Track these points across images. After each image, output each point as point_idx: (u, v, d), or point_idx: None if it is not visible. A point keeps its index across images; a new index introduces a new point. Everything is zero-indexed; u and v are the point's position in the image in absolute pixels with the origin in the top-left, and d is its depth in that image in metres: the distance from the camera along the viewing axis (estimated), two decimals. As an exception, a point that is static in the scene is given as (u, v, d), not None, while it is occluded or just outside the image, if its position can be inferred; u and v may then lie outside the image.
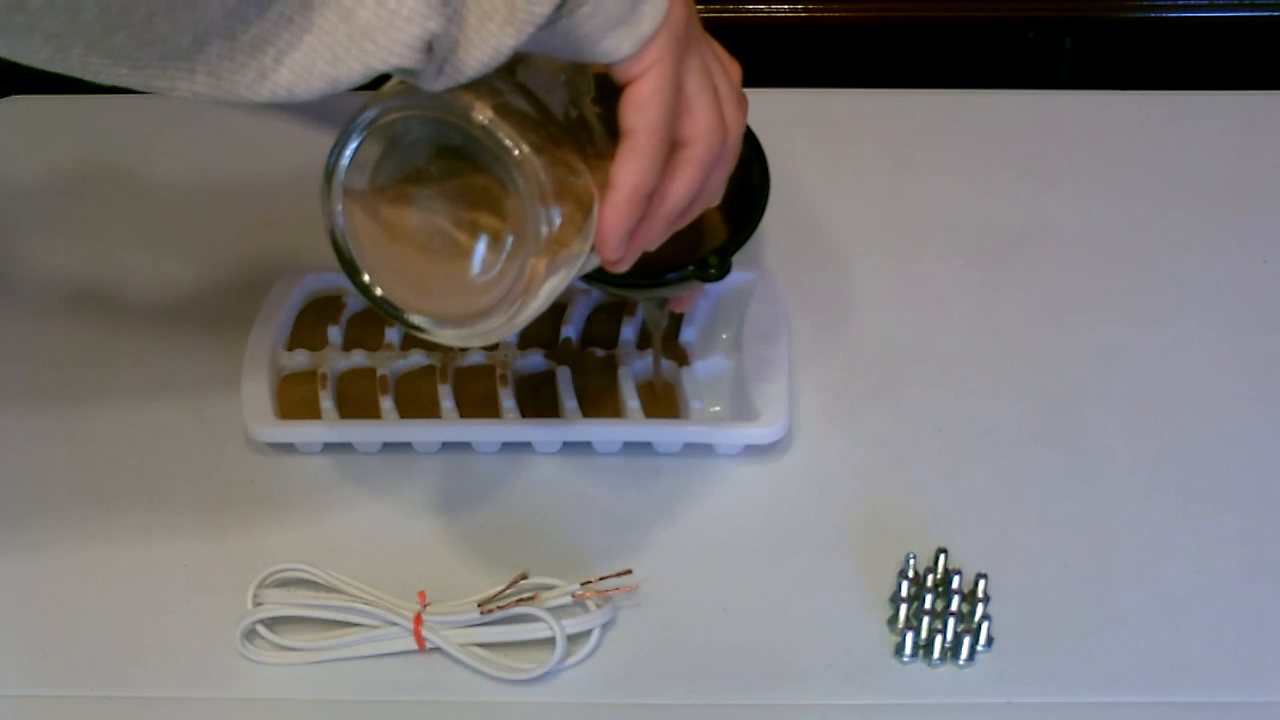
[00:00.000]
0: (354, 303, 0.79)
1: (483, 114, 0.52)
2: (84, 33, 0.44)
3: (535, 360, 0.75)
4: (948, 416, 0.75)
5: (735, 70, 0.59)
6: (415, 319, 0.56)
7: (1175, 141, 0.89)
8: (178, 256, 0.84)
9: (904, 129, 0.91)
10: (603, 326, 0.78)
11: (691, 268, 0.66)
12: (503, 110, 0.52)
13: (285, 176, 0.89)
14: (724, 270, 0.65)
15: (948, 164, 0.89)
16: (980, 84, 0.97)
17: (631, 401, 0.73)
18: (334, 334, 0.77)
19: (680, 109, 0.55)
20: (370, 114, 0.53)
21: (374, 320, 0.78)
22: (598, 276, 0.63)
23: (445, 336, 0.56)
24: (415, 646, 0.64)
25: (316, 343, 0.77)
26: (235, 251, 0.84)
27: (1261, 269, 0.82)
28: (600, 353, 0.76)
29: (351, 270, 0.56)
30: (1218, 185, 0.87)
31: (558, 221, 0.53)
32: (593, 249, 0.56)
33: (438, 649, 0.64)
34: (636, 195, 0.54)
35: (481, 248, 0.55)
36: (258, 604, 0.66)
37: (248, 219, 0.86)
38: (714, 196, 0.59)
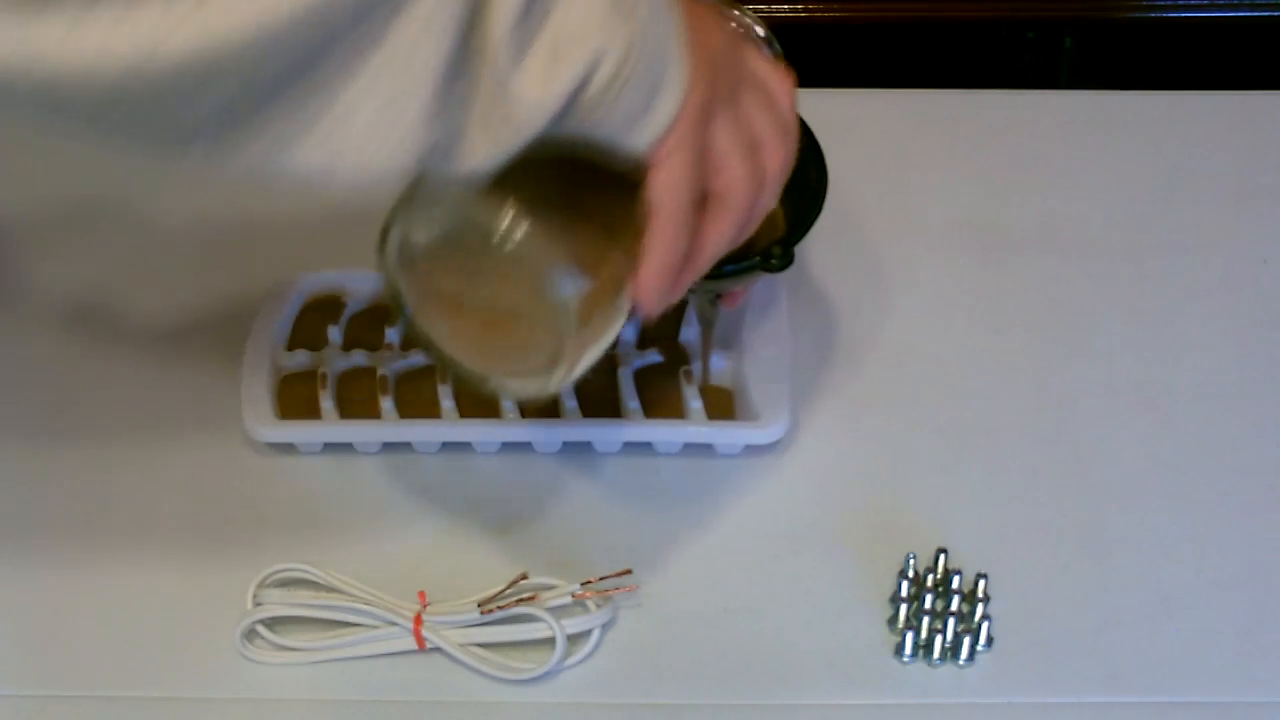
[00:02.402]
0: (354, 303, 0.79)
1: (508, 229, 0.52)
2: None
3: (535, 360, 0.75)
4: (948, 416, 0.75)
5: (784, 93, 0.58)
6: (494, 382, 0.59)
7: (1175, 141, 0.89)
8: (177, 256, 0.84)
9: (904, 129, 0.91)
10: (603, 326, 0.78)
11: (757, 258, 0.65)
12: (527, 210, 0.53)
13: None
14: (787, 261, 0.65)
15: (948, 164, 0.89)
16: (980, 84, 0.97)
17: (631, 402, 0.73)
18: (334, 334, 0.77)
19: (711, 167, 0.54)
20: (411, 197, 0.54)
21: (374, 320, 0.78)
22: None
23: (516, 390, 0.60)
24: (415, 646, 0.64)
25: (316, 343, 0.77)
26: (235, 252, 0.84)
27: (1261, 269, 0.82)
28: (600, 353, 0.76)
29: (425, 343, 0.59)
30: (1218, 185, 0.87)
31: (592, 319, 0.55)
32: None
33: (438, 649, 0.64)
34: (668, 266, 0.55)
35: (519, 332, 0.57)
36: (258, 604, 0.66)
37: (248, 219, 0.86)
38: (755, 227, 0.59)
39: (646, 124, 0.51)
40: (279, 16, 0.43)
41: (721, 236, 0.56)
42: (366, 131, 0.46)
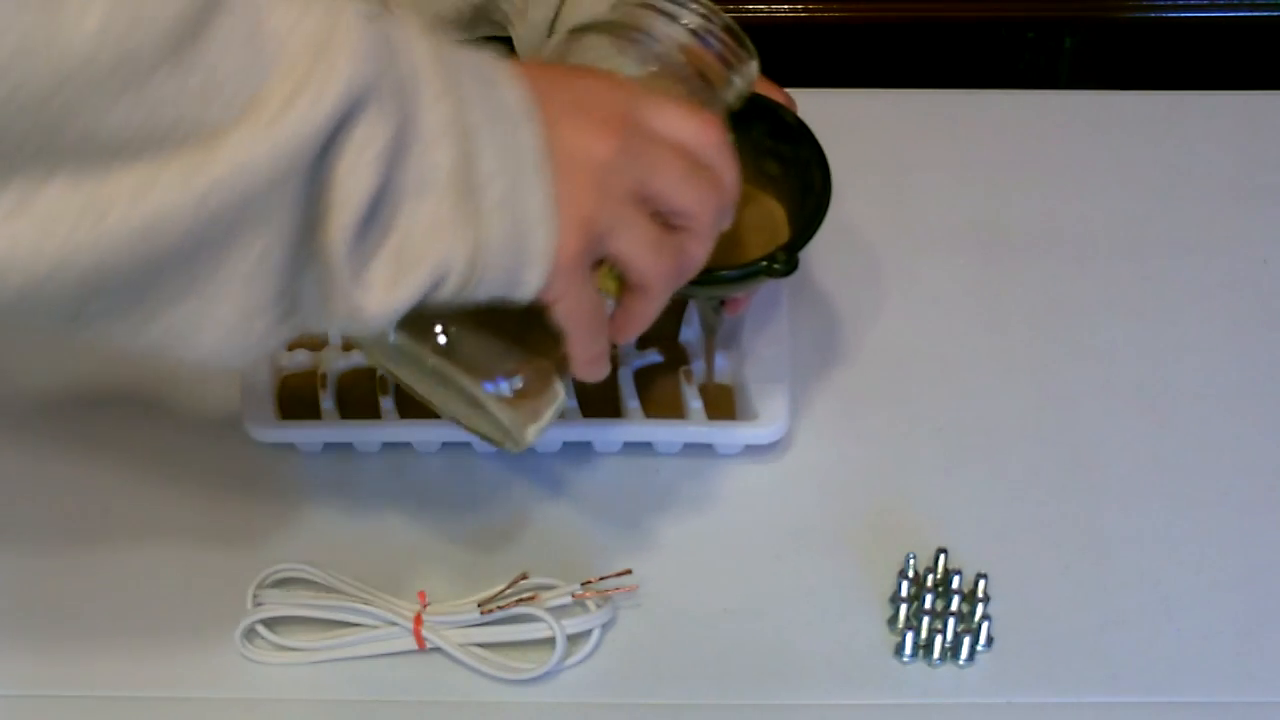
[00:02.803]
0: (354, 303, 0.79)
1: (432, 356, 0.55)
2: None
3: (535, 360, 0.75)
4: (948, 416, 0.75)
5: (705, 140, 0.55)
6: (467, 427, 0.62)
7: (1175, 141, 0.89)
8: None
9: (904, 129, 0.91)
10: (603, 326, 0.77)
11: (762, 264, 0.65)
12: (447, 326, 0.55)
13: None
14: (791, 267, 0.65)
15: (948, 164, 0.89)
16: (980, 84, 0.96)
17: (631, 402, 0.73)
18: (334, 334, 0.77)
19: (621, 266, 0.54)
20: None
21: (374, 320, 0.78)
22: None
23: (487, 442, 0.62)
24: (415, 646, 0.64)
25: (316, 343, 0.77)
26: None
27: (1261, 269, 0.82)
28: (600, 353, 0.76)
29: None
30: (1218, 185, 0.87)
31: (525, 404, 0.58)
32: None
33: (438, 649, 0.64)
34: (594, 358, 0.57)
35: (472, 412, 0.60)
36: (258, 604, 0.66)
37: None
38: (690, 276, 0.58)
39: (519, 291, 0.51)
40: (94, 245, 0.43)
41: (644, 315, 0.57)
42: (217, 345, 0.47)
